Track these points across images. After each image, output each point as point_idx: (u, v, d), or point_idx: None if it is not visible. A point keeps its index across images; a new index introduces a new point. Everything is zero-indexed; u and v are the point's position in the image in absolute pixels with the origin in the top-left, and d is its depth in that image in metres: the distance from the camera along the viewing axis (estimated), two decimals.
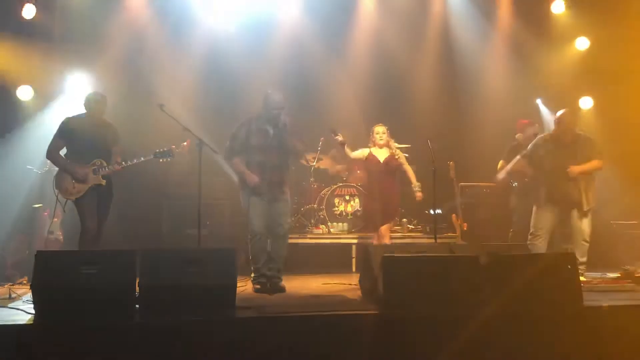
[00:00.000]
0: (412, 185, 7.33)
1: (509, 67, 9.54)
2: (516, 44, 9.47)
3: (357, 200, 8.71)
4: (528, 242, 6.72)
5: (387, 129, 7.32)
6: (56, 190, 6.17)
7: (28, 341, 4.35)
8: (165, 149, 6.38)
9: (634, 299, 5.65)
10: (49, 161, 6.76)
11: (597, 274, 6.92)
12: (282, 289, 6.15)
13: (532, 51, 9.40)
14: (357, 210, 8.67)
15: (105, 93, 6.55)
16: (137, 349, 4.36)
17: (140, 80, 8.59)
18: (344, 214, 8.95)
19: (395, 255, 5.13)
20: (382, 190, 7.17)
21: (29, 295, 5.14)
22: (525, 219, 7.40)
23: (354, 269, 7.96)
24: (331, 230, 8.78)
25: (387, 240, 7.18)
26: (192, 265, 4.91)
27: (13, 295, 5.58)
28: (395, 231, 8.83)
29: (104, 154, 6.28)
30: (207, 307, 4.77)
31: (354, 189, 8.83)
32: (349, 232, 8.64)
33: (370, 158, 7.24)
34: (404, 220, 9.10)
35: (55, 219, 7.15)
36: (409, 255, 5.23)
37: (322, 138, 8.97)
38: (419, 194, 7.31)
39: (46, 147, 6.29)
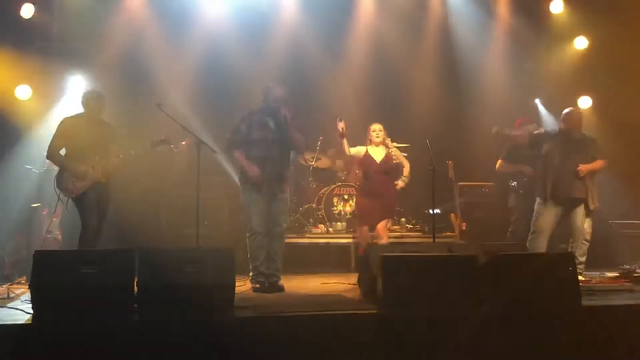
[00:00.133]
0: (402, 176, 7.30)
1: (507, 66, 9.56)
2: (515, 43, 9.48)
3: (355, 199, 8.72)
4: (529, 241, 6.73)
5: (384, 128, 7.30)
6: (57, 190, 6.18)
7: (27, 341, 4.35)
8: (162, 138, 6.34)
9: (633, 299, 5.65)
10: (47, 161, 6.77)
11: (596, 273, 6.92)
12: (281, 289, 6.15)
13: (530, 50, 9.42)
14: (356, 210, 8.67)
15: (103, 92, 6.55)
16: (136, 349, 4.36)
17: (139, 79, 8.59)
18: (342, 213, 8.96)
19: (394, 254, 5.12)
20: (378, 189, 7.15)
21: (27, 295, 5.16)
22: (524, 219, 7.42)
23: (352, 267, 7.97)
24: (330, 229, 8.78)
25: (385, 240, 7.16)
26: (190, 264, 4.90)
27: (11, 295, 5.58)
28: (394, 231, 8.83)
29: (102, 153, 6.29)
30: (206, 306, 4.77)
31: (353, 189, 8.83)
32: (348, 231, 8.64)
33: (367, 157, 7.22)
34: (403, 219, 9.11)
35: (54, 219, 7.15)
36: (408, 254, 5.23)
37: (321, 137, 8.97)
38: (400, 183, 7.28)
39: (45, 147, 6.29)
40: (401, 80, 9.75)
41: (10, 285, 6.04)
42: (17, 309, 4.93)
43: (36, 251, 4.80)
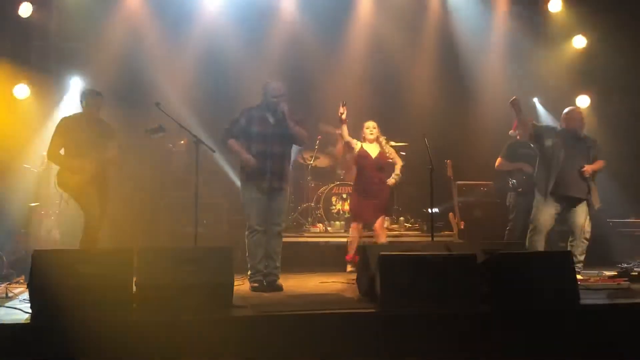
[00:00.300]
0: (393, 174, 7.28)
1: (506, 65, 9.56)
2: (513, 42, 9.48)
3: (350, 196, 8.70)
4: (528, 239, 6.72)
5: (377, 125, 7.28)
6: (59, 189, 6.19)
7: (25, 340, 4.34)
8: (156, 125, 6.32)
9: (630, 297, 5.66)
10: (45, 160, 6.77)
11: (594, 272, 6.93)
12: (279, 288, 6.15)
13: (529, 49, 9.41)
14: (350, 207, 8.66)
15: (101, 91, 6.55)
16: (134, 348, 4.35)
17: (137, 78, 8.59)
18: (341, 212, 8.97)
19: (392, 253, 5.13)
20: (373, 186, 7.14)
21: (26, 294, 5.15)
22: (522, 217, 7.44)
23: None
24: (328, 228, 8.78)
25: (383, 239, 7.16)
26: (189, 263, 4.90)
27: (10, 295, 5.58)
28: (392, 229, 8.84)
29: (100, 149, 6.30)
30: (204, 305, 4.77)
31: (351, 188, 8.82)
32: (346, 230, 8.64)
33: (362, 153, 7.20)
34: (401, 218, 9.11)
35: (53, 218, 7.15)
36: (406, 253, 5.23)
37: (320, 136, 8.98)
38: (391, 180, 7.26)
39: (43, 146, 6.30)
40: (400, 79, 9.76)
41: (9, 284, 6.03)
42: (15, 308, 4.93)
43: (35, 250, 4.80)
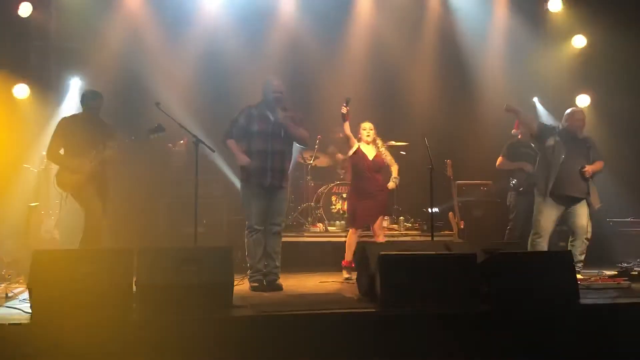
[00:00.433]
0: (392, 177, 7.24)
1: (506, 64, 9.56)
2: (513, 42, 9.48)
3: (347, 199, 8.69)
4: (530, 242, 6.71)
5: (374, 127, 7.25)
6: (58, 188, 6.20)
7: (25, 340, 4.33)
8: (155, 125, 6.32)
9: (631, 297, 5.66)
10: (45, 159, 6.77)
11: (594, 272, 6.93)
12: (279, 287, 6.15)
13: (528, 49, 9.41)
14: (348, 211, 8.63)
15: (101, 91, 6.55)
16: (134, 348, 4.35)
17: (137, 78, 8.58)
18: (340, 212, 8.96)
19: (392, 253, 5.13)
20: (370, 187, 7.10)
21: (25, 294, 5.15)
22: (523, 217, 7.44)
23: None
24: (328, 228, 8.78)
25: (381, 239, 7.13)
26: (189, 263, 4.90)
27: (10, 295, 5.57)
28: (392, 229, 8.84)
29: (99, 148, 6.30)
30: (204, 305, 4.77)
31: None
32: (346, 230, 8.63)
33: (359, 153, 7.14)
34: (401, 218, 9.11)
35: (53, 218, 7.14)
36: (406, 253, 5.23)
37: (319, 136, 8.97)
38: (391, 184, 7.24)
39: (43, 146, 6.30)
40: (400, 79, 9.75)
41: (9, 284, 6.04)
42: (15, 308, 4.93)
43: (35, 250, 4.80)
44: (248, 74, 8.58)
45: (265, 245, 6.25)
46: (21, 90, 8.03)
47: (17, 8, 7.89)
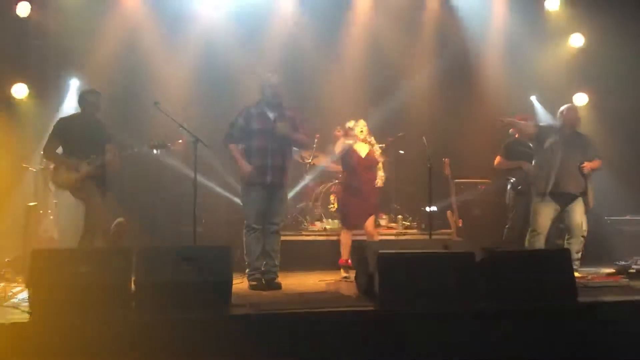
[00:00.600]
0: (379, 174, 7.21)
1: (504, 63, 9.57)
2: (511, 40, 9.48)
3: (340, 197, 8.66)
4: (528, 240, 6.73)
5: (366, 124, 7.23)
6: (52, 186, 6.21)
7: (24, 340, 4.34)
8: (159, 141, 6.35)
9: (628, 295, 5.68)
10: (44, 159, 6.79)
11: (591, 270, 6.95)
12: (278, 286, 6.15)
13: (526, 47, 9.42)
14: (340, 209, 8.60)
15: (99, 90, 6.56)
16: (133, 347, 4.36)
17: (135, 78, 8.59)
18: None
19: (391, 252, 5.14)
20: (362, 185, 7.08)
21: (24, 294, 5.15)
22: (521, 215, 7.43)
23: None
24: (327, 227, 8.78)
25: (375, 237, 7.11)
26: (187, 262, 4.91)
27: (9, 294, 5.58)
28: (390, 228, 8.85)
29: (98, 152, 6.31)
30: (203, 304, 4.78)
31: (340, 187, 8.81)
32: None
33: (352, 152, 7.15)
34: (399, 217, 9.11)
35: (51, 217, 7.15)
36: (404, 252, 5.24)
37: (318, 135, 8.97)
38: (379, 182, 7.17)
39: (41, 146, 6.32)
40: (398, 77, 9.76)
41: (8, 284, 6.04)
42: (14, 308, 4.93)
43: (33, 250, 4.81)
44: (246, 72, 8.58)
45: (263, 244, 6.26)
46: (20, 90, 8.03)
47: (15, 7, 7.89)
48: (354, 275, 6.07)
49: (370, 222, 7.09)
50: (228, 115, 6.47)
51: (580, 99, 9.24)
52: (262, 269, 6.23)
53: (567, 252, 5.58)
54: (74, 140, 6.27)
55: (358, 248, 6.20)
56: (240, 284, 6.12)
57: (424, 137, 6.78)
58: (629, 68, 8.86)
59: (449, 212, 8.47)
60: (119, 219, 6.83)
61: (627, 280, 6.31)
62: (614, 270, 6.82)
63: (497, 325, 4.82)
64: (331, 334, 4.64)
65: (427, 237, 7.15)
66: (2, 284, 5.98)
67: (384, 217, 9.27)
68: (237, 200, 7.06)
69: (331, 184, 9.06)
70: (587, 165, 6.62)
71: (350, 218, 7.09)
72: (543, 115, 9.23)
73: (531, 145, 7.26)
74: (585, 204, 6.70)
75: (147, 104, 6.58)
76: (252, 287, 6.11)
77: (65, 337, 4.34)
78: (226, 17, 9.03)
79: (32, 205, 7.24)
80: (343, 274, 6.94)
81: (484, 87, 9.62)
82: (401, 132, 8.53)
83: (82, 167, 6.20)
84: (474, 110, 9.64)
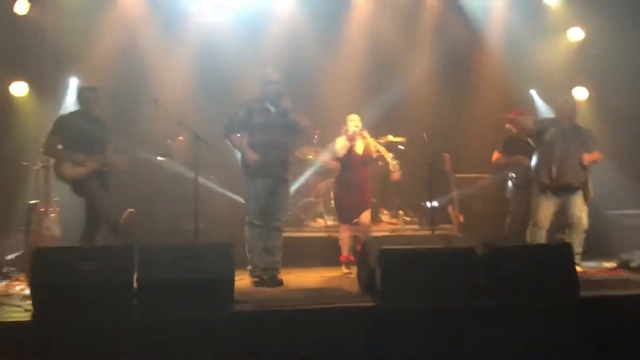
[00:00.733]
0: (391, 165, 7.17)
1: (503, 57, 9.55)
2: (510, 34, 9.47)
3: (333, 192, 8.62)
4: (529, 234, 6.73)
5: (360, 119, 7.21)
6: (57, 179, 6.23)
7: (26, 339, 4.34)
8: (166, 152, 6.43)
9: (630, 289, 5.68)
10: (44, 155, 6.80)
11: (593, 264, 6.95)
12: (280, 282, 6.15)
13: (526, 41, 9.41)
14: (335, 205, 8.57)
15: (98, 87, 6.57)
16: (136, 345, 4.37)
17: (134, 76, 8.58)
18: None
19: (392, 247, 5.14)
20: (358, 181, 7.07)
21: (27, 292, 5.16)
22: (522, 210, 7.44)
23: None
24: (328, 223, 8.78)
25: (369, 232, 7.10)
26: (189, 260, 4.90)
27: (11, 292, 5.58)
28: (392, 223, 8.85)
29: (98, 149, 6.34)
30: (205, 302, 4.78)
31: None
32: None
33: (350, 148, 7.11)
34: (401, 212, 9.11)
35: (53, 215, 7.14)
36: (406, 247, 5.24)
37: (318, 131, 8.95)
38: (396, 175, 7.17)
39: (42, 143, 6.33)
40: (396, 73, 9.73)
41: (10, 282, 6.04)
42: (16, 306, 4.94)
43: (36, 248, 4.81)
44: (246, 70, 8.55)
45: (265, 240, 6.26)
46: (19, 88, 8.03)
47: (13, 5, 7.87)
48: (356, 271, 6.07)
49: (366, 218, 7.08)
50: (228, 112, 6.46)
51: (580, 93, 9.23)
52: (264, 265, 6.23)
53: (569, 246, 5.56)
54: (74, 136, 6.29)
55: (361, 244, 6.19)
56: (241, 280, 6.12)
57: (424, 133, 6.77)
58: (629, 61, 8.86)
59: (449, 207, 8.48)
60: (129, 209, 6.82)
61: (629, 274, 6.31)
62: (616, 265, 6.83)
63: (499, 320, 4.83)
64: (333, 330, 4.65)
65: (428, 232, 7.14)
66: (4, 283, 5.99)
67: (385, 212, 9.27)
68: (237, 197, 7.06)
69: (332, 179, 9.05)
70: (586, 157, 6.62)
71: (343, 213, 7.09)
72: (543, 110, 9.22)
73: (529, 140, 7.26)
74: (586, 197, 6.71)
75: (146, 102, 6.56)
76: (254, 284, 6.11)
77: (67, 336, 4.34)
78: (225, 15, 9.01)
79: (34, 203, 7.24)
80: (344, 270, 6.95)
81: (484, 82, 9.61)
82: (402, 138, 8.50)
83: (88, 163, 6.22)
84: (473, 105, 9.63)
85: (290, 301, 5.18)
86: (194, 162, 6.18)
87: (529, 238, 6.72)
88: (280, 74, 6.37)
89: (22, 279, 6.28)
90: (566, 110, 6.80)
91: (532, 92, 9.59)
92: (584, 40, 9.37)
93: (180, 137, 6.63)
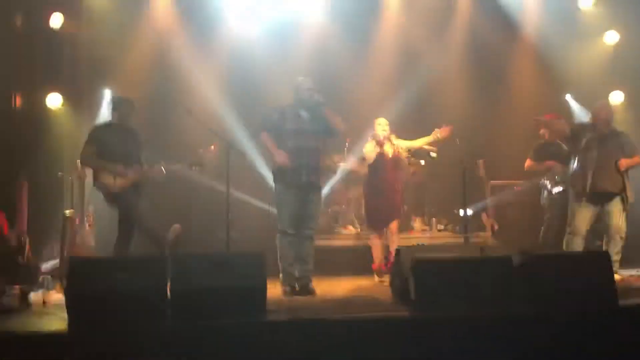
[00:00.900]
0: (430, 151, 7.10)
1: (537, 62, 9.45)
2: (545, 39, 9.36)
3: (364, 198, 8.57)
4: (565, 242, 6.62)
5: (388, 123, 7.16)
6: (98, 190, 6.28)
7: (62, 348, 4.38)
8: (199, 160, 6.44)
9: None
10: (79, 167, 6.88)
11: (632, 271, 6.80)
12: (312, 291, 6.12)
13: (560, 46, 9.29)
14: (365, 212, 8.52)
15: (132, 98, 6.64)
16: (169, 354, 4.38)
17: (167, 86, 8.67)
18: None
19: (426, 257, 5.09)
20: (387, 185, 7.01)
21: (62, 302, 5.21)
22: (558, 217, 7.33)
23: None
24: (359, 231, 8.74)
25: (397, 240, 7.04)
26: (222, 269, 4.91)
27: (46, 302, 5.65)
28: (424, 231, 8.78)
29: (132, 160, 6.37)
30: (238, 310, 4.77)
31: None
32: None
33: (379, 152, 7.08)
34: (433, 219, 9.04)
35: (87, 225, 7.23)
36: (440, 257, 5.18)
37: (349, 139, 8.93)
38: (433, 154, 7.12)
39: (77, 155, 6.41)
40: (430, 80, 9.67)
41: (46, 292, 6.11)
42: (53, 315, 4.99)
43: (71, 257, 4.87)
44: (276, 79, 8.58)
45: (297, 249, 6.24)
46: (54, 99, 8.15)
47: (49, 19, 8.01)
48: (389, 279, 6.02)
49: (394, 228, 7.02)
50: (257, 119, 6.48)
51: (617, 97, 9.08)
52: (296, 274, 6.20)
53: (606, 254, 5.46)
54: (109, 147, 6.31)
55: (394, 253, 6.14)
56: (273, 289, 6.11)
57: (457, 139, 6.71)
58: None
59: (484, 215, 8.38)
60: (175, 225, 6.81)
61: None
62: None
63: (536, 329, 4.74)
64: (367, 340, 4.60)
65: (461, 240, 7.06)
66: (40, 292, 6.06)
67: (418, 220, 9.20)
68: (268, 206, 7.06)
69: (362, 187, 9.01)
70: (623, 162, 6.49)
71: (375, 221, 7.05)
72: (579, 114, 9.09)
73: (563, 145, 7.15)
74: (624, 203, 6.57)
75: (178, 112, 6.61)
76: (286, 293, 6.09)
77: (101, 346, 4.36)
78: (255, 25, 9.07)
79: (69, 214, 7.33)
80: (377, 278, 6.90)
81: (518, 87, 9.51)
82: (433, 148, 8.42)
83: (129, 174, 6.27)
84: (508, 110, 9.53)
85: (324, 310, 5.16)
86: (225, 171, 6.20)
87: (565, 246, 6.59)
88: (312, 79, 6.35)
89: (58, 288, 6.35)
90: (603, 115, 6.68)
91: (568, 96, 9.46)
92: (619, 43, 9.22)
93: (212, 147, 6.67)
